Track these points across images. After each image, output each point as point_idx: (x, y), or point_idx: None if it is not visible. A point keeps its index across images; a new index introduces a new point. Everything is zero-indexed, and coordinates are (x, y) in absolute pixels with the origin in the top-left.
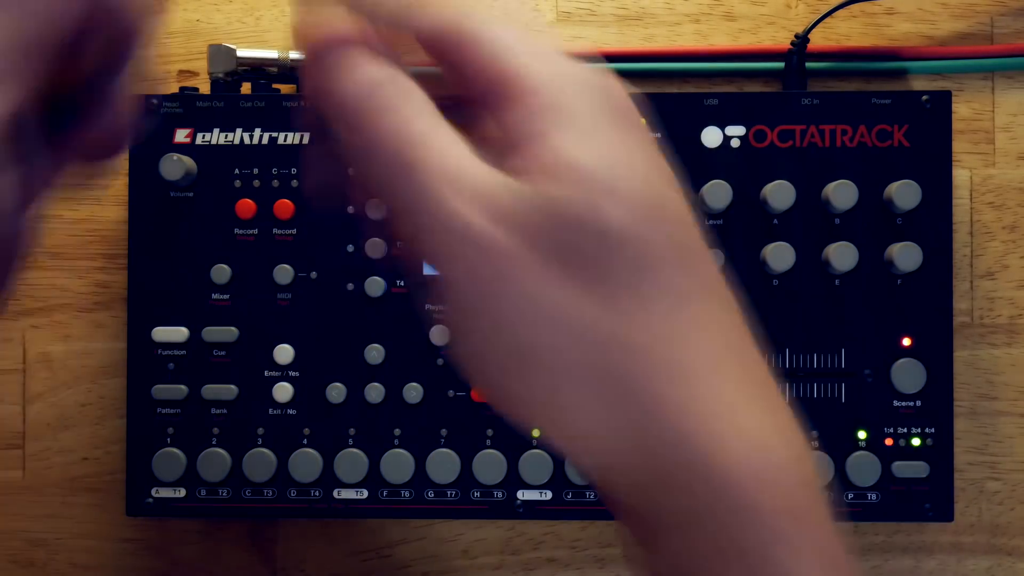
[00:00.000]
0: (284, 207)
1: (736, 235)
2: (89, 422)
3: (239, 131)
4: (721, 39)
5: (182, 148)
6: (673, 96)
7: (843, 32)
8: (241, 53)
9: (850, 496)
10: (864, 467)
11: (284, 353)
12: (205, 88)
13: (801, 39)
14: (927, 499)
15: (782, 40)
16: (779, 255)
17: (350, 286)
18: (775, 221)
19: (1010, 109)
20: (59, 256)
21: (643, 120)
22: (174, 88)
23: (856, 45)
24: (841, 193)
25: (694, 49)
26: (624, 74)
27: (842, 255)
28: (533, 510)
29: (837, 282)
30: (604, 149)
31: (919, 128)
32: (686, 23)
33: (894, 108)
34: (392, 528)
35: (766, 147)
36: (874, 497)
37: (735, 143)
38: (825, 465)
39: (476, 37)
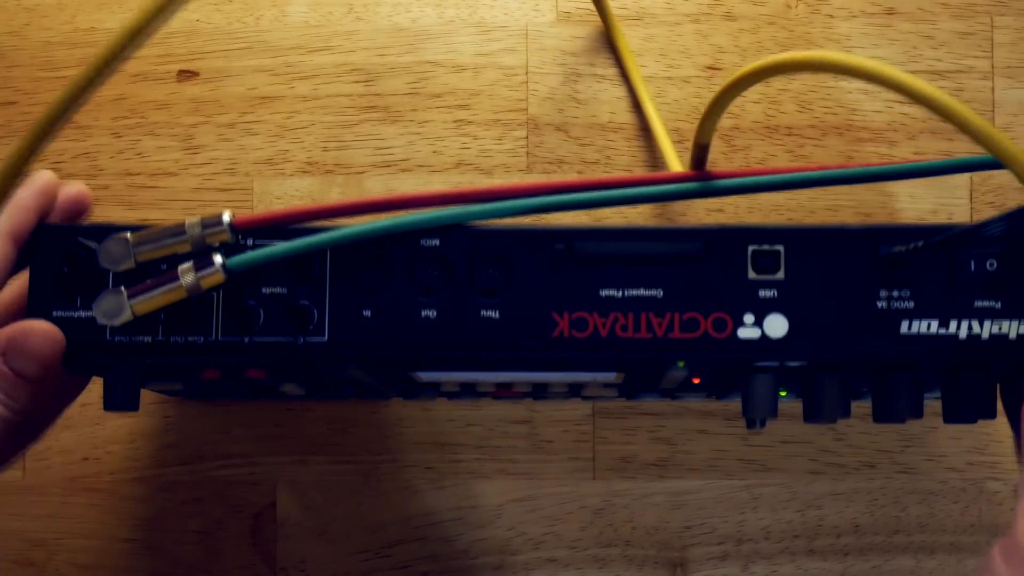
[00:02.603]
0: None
1: None
2: (89, 422)
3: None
4: (721, 39)
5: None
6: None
7: (843, 32)
8: (138, 245)
9: None
10: None
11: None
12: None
13: None
14: None
15: (782, 40)
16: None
17: None
18: None
19: (1010, 109)
20: None
21: None
22: (171, 89)
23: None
24: None
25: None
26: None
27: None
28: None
29: None
30: None
31: None
32: (686, 23)
33: None
34: (392, 528)
35: None
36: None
37: None
38: None
39: None
